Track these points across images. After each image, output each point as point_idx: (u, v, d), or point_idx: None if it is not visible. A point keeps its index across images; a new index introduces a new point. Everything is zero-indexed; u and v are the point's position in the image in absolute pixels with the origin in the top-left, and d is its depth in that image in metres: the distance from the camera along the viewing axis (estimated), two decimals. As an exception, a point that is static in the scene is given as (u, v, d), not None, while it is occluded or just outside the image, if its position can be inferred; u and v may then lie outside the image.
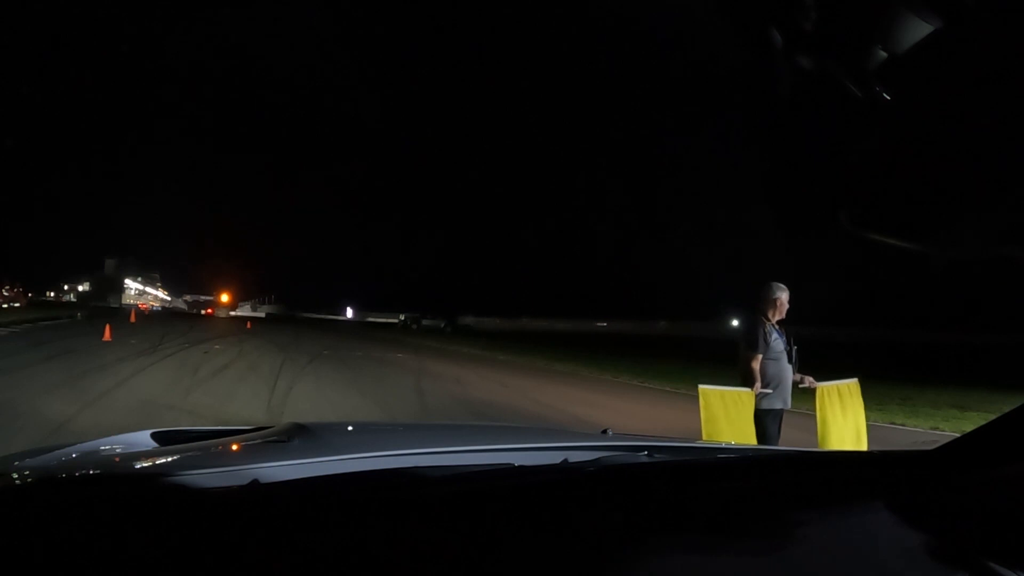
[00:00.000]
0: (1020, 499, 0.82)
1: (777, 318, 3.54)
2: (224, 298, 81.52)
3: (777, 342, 3.51)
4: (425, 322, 43.38)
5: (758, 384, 3.46)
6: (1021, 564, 0.75)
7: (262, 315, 69.89)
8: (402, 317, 46.25)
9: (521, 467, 1.05)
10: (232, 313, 69.62)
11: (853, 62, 1.00)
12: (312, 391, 8.31)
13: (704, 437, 3.40)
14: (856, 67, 1.00)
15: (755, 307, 3.60)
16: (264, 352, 14.32)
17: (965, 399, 10.18)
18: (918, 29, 0.92)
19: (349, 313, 71.02)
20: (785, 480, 1.07)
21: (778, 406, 3.49)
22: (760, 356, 3.48)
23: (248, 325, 31.34)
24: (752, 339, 3.52)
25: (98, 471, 1.05)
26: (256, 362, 11.85)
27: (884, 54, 0.97)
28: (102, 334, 14.58)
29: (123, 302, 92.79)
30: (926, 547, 0.82)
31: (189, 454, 1.17)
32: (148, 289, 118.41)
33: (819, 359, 3.63)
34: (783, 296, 3.53)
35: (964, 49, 0.96)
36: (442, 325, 41.72)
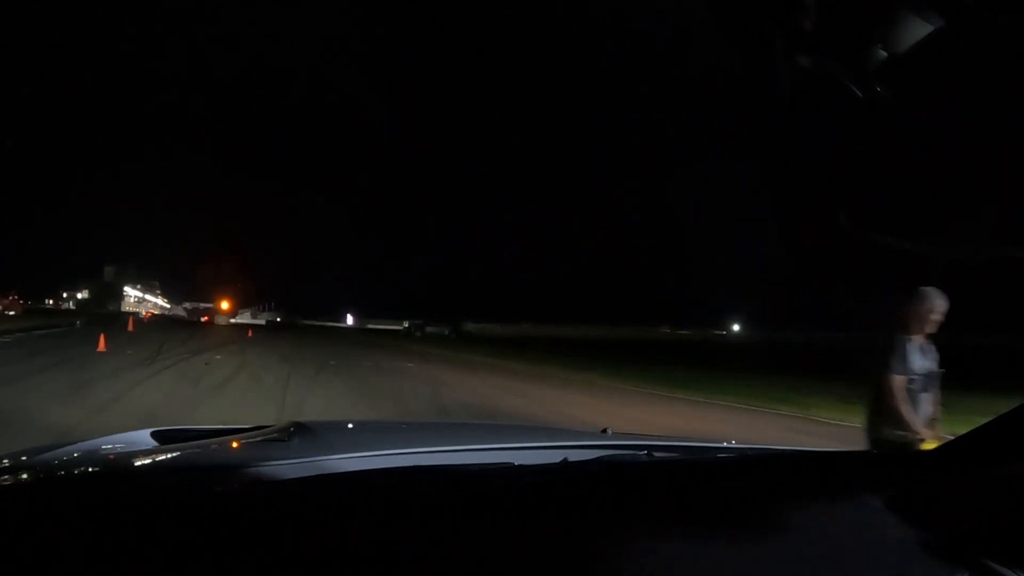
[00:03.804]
0: (1020, 499, 0.82)
1: (924, 332, 2.87)
2: (224, 305, 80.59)
3: (917, 363, 2.84)
4: (429, 329, 42.62)
5: (913, 417, 2.76)
6: (1021, 564, 0.75)
7: (262, 322, 69.34)
8: (406, 324, 45.26)
9: (521, 466, 1.05)
10: (232, 320, 68.85)
11: (853, 62, 1.00)
12: (323, 407, 7.69)
13: None
14: (856, 67, 0.99)
15: (897, 317, 2.93)
16: (268, 362, 13.63)
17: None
18: (918, 29, 0.91)
19: (349, 320, 70.76)
20: (785, 479, 1.07)
21: (907, 438, 2.81)
22: (898, 376, 2.81)
23: (249, 333, 30.35)
24: (886, 356, 2.84)
25: (98, 470, 1.04)
26: (260, 374, 11.18)
27: (884, 54, 0.96)
28: (98, 344, 13.89)
29: (123, 309, 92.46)
30: (926, 546, 0.82)
31: (189, 453, 1.14)
32: (148, 296, 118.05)
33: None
34: (935, 306, 2.84)
35: (964, 49, 0.96)
36: (446, 332, 41.12)
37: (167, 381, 9.30)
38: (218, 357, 14.22)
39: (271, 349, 18.28)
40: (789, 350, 25.81)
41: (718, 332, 50.71)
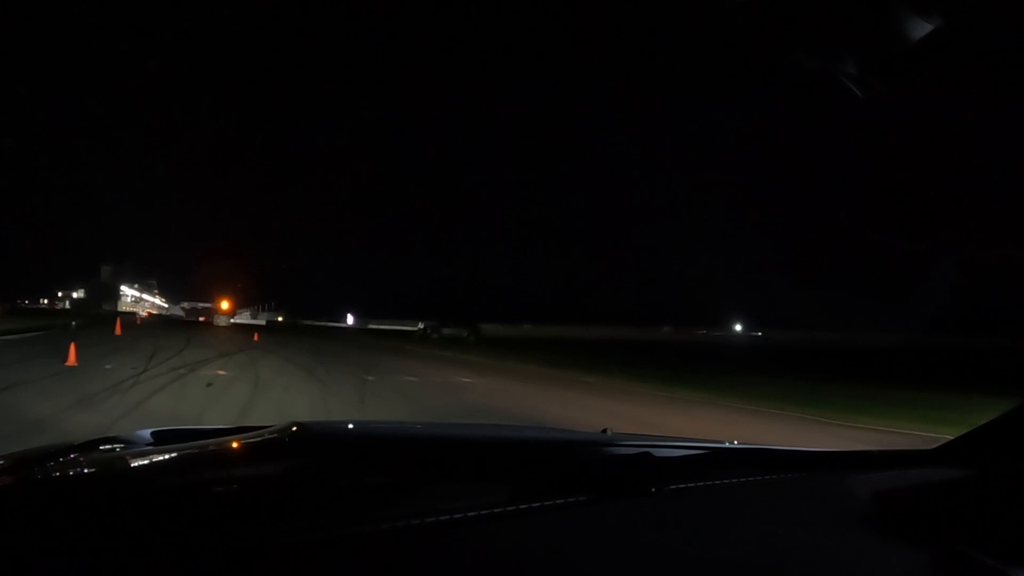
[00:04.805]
0: (1020, 498, 0.83)
1: None
2: (224, 305, 77.17)
3: None
4: (446, 331, 39.43)
5: None
6: (1020, 563, 0.76)
7: (262, 322, 66.36)
8: (421, 325, 42.10)
9: (522, 465, 1.05)
10: (231, 321, 65.58)
11: (853, 62, 1.01)
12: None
13: None
14: (856, 67, 1.01)
15: None
16: (290, 381, 10.49)
17: None
18: (918, 29, 0.92)
19: (350, 320, 67.95)
20: (786, 479, 1.08)
21: None
22: None
23: (255, 337, 26.93)
24: None
25: (97, 470, 1.01)
26: (284, 401, 8.10)
27: (884, 54, 0.98)
28: (68, 356, 10.79)
29: (120, 309, 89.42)
30: (926, 546, 0.83)
31: (189, 453, 1.10)
32: (145, 296, 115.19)
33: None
34: None
35: (964, 49, 0.95)
36: (464, 334, 37.95)
37: (151, 420, 6.19)
38: (223, 373, 11.09)
39: (286, 359, 15.13)
40: (842, 353, 22.95)
41: (755, 334, 47.62)
